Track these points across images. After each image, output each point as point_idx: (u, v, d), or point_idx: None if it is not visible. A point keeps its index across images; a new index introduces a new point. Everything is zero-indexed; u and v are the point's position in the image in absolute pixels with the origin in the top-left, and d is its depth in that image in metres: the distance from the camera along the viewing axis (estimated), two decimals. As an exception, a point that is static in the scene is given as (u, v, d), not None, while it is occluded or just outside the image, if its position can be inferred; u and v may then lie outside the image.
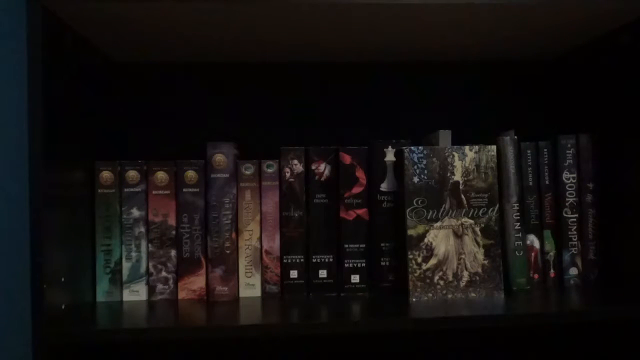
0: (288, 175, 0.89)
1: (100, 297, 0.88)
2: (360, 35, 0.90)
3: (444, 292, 0.84)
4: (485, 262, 0.85)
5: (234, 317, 0.76)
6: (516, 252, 0.88)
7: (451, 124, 1.01)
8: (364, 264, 0.89)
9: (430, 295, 0.84)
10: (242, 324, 0.73)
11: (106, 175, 0.88)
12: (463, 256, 0.85)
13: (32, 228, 0.70)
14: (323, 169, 0.90)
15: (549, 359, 1.07)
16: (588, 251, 0.91)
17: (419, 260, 0.84)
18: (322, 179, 0.89)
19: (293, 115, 1.06)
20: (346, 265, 0.89)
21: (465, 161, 0.85)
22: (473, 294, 0.85)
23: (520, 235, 0.88)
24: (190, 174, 0.88)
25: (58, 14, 0.76)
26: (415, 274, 0.84)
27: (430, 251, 0.84)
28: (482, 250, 0.85)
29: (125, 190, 0.88)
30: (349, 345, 1.05)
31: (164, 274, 0.88)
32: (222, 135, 1.01)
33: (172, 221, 0.88)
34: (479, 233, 0.85)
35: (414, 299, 0.83)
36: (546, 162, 0.92)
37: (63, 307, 0.76)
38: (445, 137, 0.91)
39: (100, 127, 0.94)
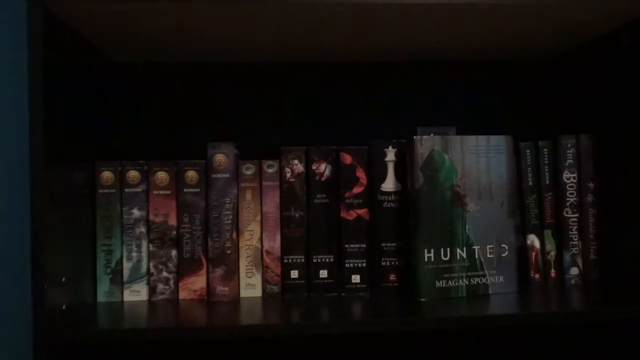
0: (289, 175, 0.89)
1: (101, 298, 0.88)
2: (360, 35, 0.90)
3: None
4: (486, 262, 0.85)
5: (234, 317, 0.76)
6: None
7: (451, 124, 1.02)
8: (364, 264, 0.89)
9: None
10: (243, 324, 0.73)
11: (107, 175, 0.88)
12: (464, 256, 0.85)
13: (33, 228, 0.70)
14: (324, 169, 0.90)
15: (549, 359, 1.08)
16: (589, 251, 0.91)
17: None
18: (323, 179, 0.89)
19: (293, 115, 1.06)
20: (347, 265, 0.89)
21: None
22: (474, 294, 0.85)
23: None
24: (191, 174, 0.88)
25: (58, 14, 0.76)
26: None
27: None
28: (482, 250, 0.85)
29: (126, 190, 0.88)
30: (349, 345, 1.05)
31: (164, 274, 0.88)
32: (222, 135, 1.01)
33: (172, 221, 0.88)
34: (479, 233, 0.85)
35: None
36: (546, 162, 0.92)
37: (64, 307, 0.76)
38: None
39: (101, 127, 0.94)
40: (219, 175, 0.87)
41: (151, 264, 0.88)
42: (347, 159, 0.89)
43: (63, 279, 0.76)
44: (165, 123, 1.04)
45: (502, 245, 0.86)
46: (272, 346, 1.04)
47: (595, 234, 0.91)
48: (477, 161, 0.85)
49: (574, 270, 0.91)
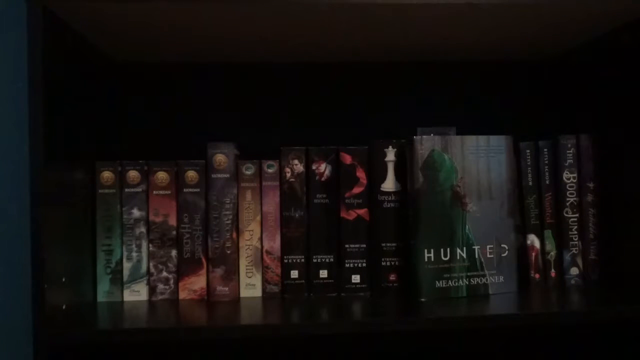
0: (289, 175, 0.89)
1: (100, 297, 0.87)
2: (360, 35, 0.90)
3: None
4: (486, 262, 0.85)
5: (234, 317, 0.76)
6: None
7: (451, 124, 1.01)
8: (364, 264, 0.89)
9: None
10: (243, 324, 0.73)
11: (107, 175, 0.88)
12: (464, 256, 0.85)
13: (33, 228, 0.70)
14: (323, 169, 0.90)
15: (549, 359, 1.08)
16: (589, 251, 0.91)
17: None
18: (323, 179, 0.89)
19: (293, 115, 1.06)
20: (347, 265, 0.89)
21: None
22: (474, 294, 0.85)
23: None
24: (191, 174, 0.88)
25: (58, 14, 0.76)
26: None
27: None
28: (482, 250, 0.85)
29: (126, 190, 0.88)
30: (349, 345, 1.05)
31: (164, 274, 0.88)
32: (222, 135, 1.00)
33: (172, 221, 0.88)
34: (479, 233, 0.85)
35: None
36: (546, 162, 0.92)
37: (64, 307, 0.76)
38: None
39: (100, 127, 0.94)
40: (219, 175, 0.87)
41: (151, 264, 0.88)
42: (347, 159, 0.89)
43: (63, 279, 0.76)
44: (165, 123, 1.04)
45: (502, 245, 0.86)
46: (272, 346, 1.04)
47: (595, 234, 0.91)
48: (477, 161, 0.85)
49: (574, 270, 0.91)
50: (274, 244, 0.89)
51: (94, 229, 0.87)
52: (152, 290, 0.88)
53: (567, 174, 0.92)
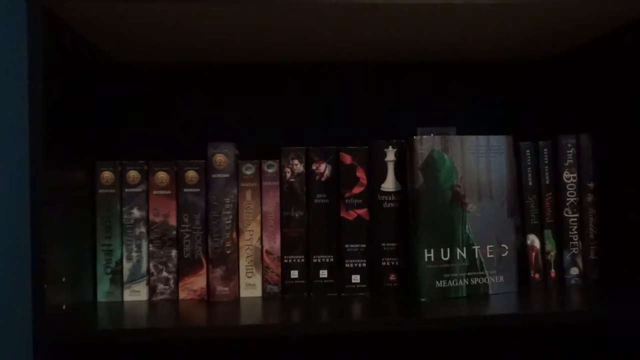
0: (289, 175, 0.89)
1: (100, 298, 0.87)
2: (360, 35, 0.90)
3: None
4: (486, 262, 0.85)
5: (234, 317, 0.76)
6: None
7: (451, 124, 1.02)
8: (364, 264, 0.89)
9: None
10: (243, 324, 0.73)
11: (107, 175, 0.88)
12: (464, 256, 0.85)
13: (33, 228, 0.70)
14: (324, 169, 0.90)
15: (549, 359, 1.08)
16: (589, 251, 0.91)
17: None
18: (323, 179, 0.89)
19: (293, 115, 1.06)
20: (347, 265, 0.89)
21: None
22: (474, 294, 0.85)
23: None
24: (191, 174, 0.88)
25: (58, 14, 0.76)
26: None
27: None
28: (482, 250, 0.85)
29: (126, 190, 0.88)
30: (349, 345, 1.05)
31: (164, 274, 0.88)
32: (222, 135, 1.01)
33: (172, 221, 0.88)
34: (479, 233, 0.85)
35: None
36: (546, 162, 0.92)
37: (64, 307, 0.76)
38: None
39: (100, 127, 0.94)
40: (219, 175, 0.87)
41: (151, 264, 0.88)
42: (347, 159, 0.89)
43: (63, 279, 0.76)
44: (165, 123, 1.04)
45: (502, 245, 0.86)
46: (272, 346, 1.04)
47: (595, 234, 0.91)
48: (477, 161, 0.85)
49: (574, 270, 0.91)
50: (274, 244, 0.89)
51: (94, 229, 0.87)
52: (152, 290, 0.88)
53: (567, 174, 0.92)
